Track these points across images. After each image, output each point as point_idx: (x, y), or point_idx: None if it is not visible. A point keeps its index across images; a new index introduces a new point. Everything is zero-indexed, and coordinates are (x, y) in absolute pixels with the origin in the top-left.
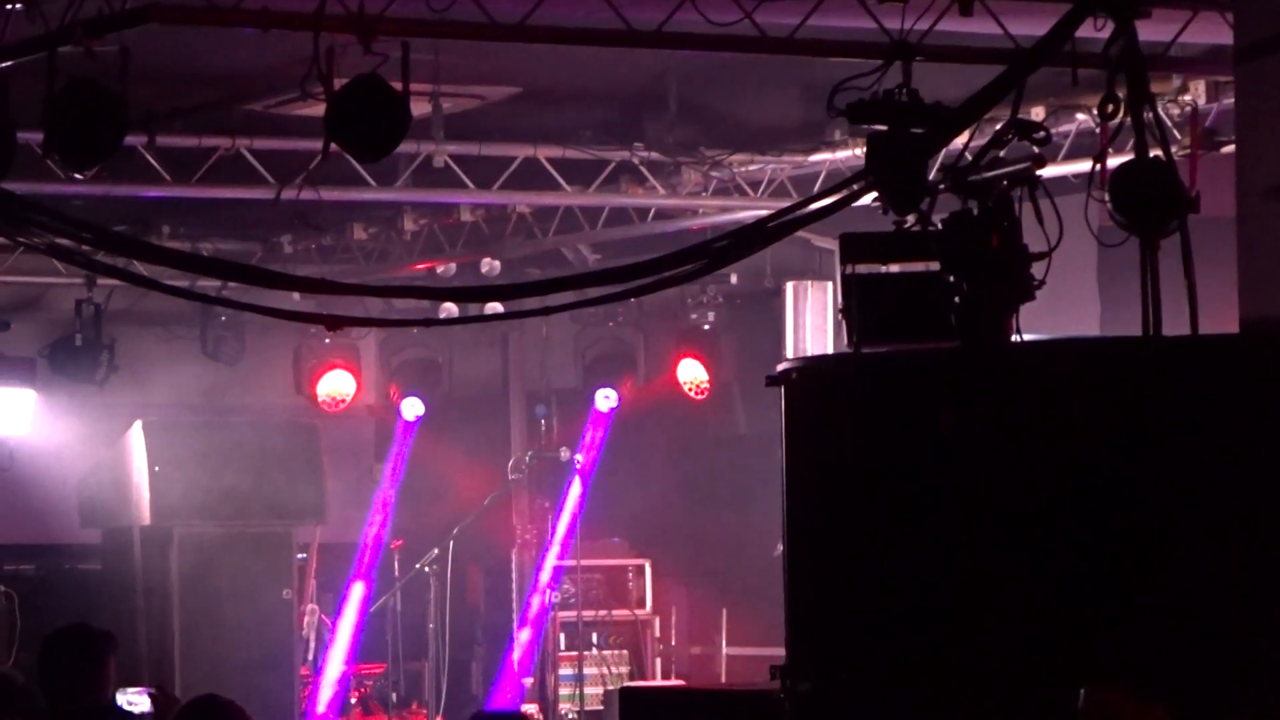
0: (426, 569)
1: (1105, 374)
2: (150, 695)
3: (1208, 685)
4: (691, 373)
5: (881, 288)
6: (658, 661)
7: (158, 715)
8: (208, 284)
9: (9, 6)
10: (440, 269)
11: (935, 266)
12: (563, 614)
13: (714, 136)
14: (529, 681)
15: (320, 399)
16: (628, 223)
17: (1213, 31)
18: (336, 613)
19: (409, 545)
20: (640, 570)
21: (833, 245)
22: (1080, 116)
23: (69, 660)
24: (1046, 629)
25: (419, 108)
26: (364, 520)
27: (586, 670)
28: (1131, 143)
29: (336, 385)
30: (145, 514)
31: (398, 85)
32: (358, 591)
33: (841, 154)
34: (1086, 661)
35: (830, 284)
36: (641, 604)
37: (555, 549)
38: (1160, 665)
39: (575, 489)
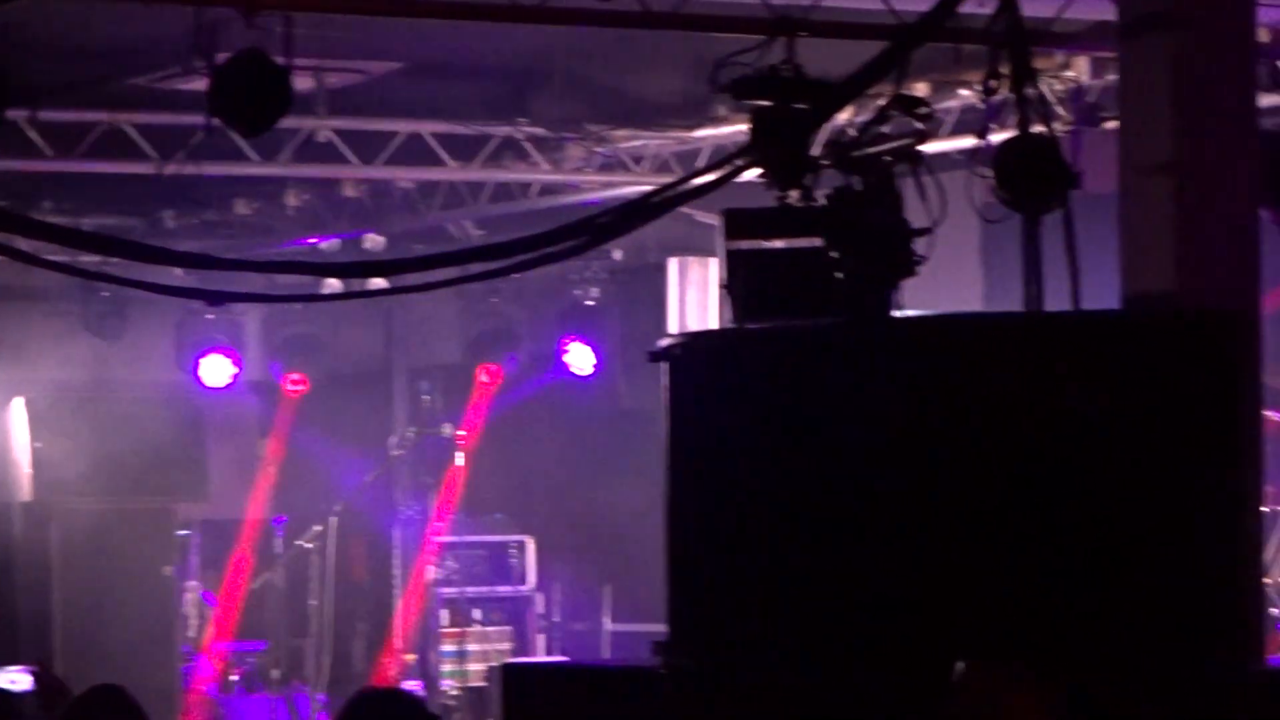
0: (308, 545)
1: (988, 350)
2: (33, 674)
3: (1082, 660)
4: (575, 349)
5: (764, 263)
6: (540, 638)
7: (40, 694)
8: (89, 259)
9: None
10: (323, 244)
11: (818, 242)
12: (445, 590)
13: (598, 112)
14: (411, 658)
15: (203, 375)
16: (511, 198)
17: (1096, 8)
18: (218, 590)
19: (291, 522)
20: (523, 546)
21: (716, 221)
22: (964, 92)
23: None
24: (927, 604)
25: (302, 82)
26: (246, 496)
27: (469, 647)
28: (1015, 119)
29: (219, 361)
30: (26, 490)
31: (281, 60)
32: (239, 568)
33: (725, 129)
34: (966, 637)
35: (713, 260)
36: (524, 580)
37: (438, 525)
38: (1033, 638)
39: (458, 465)
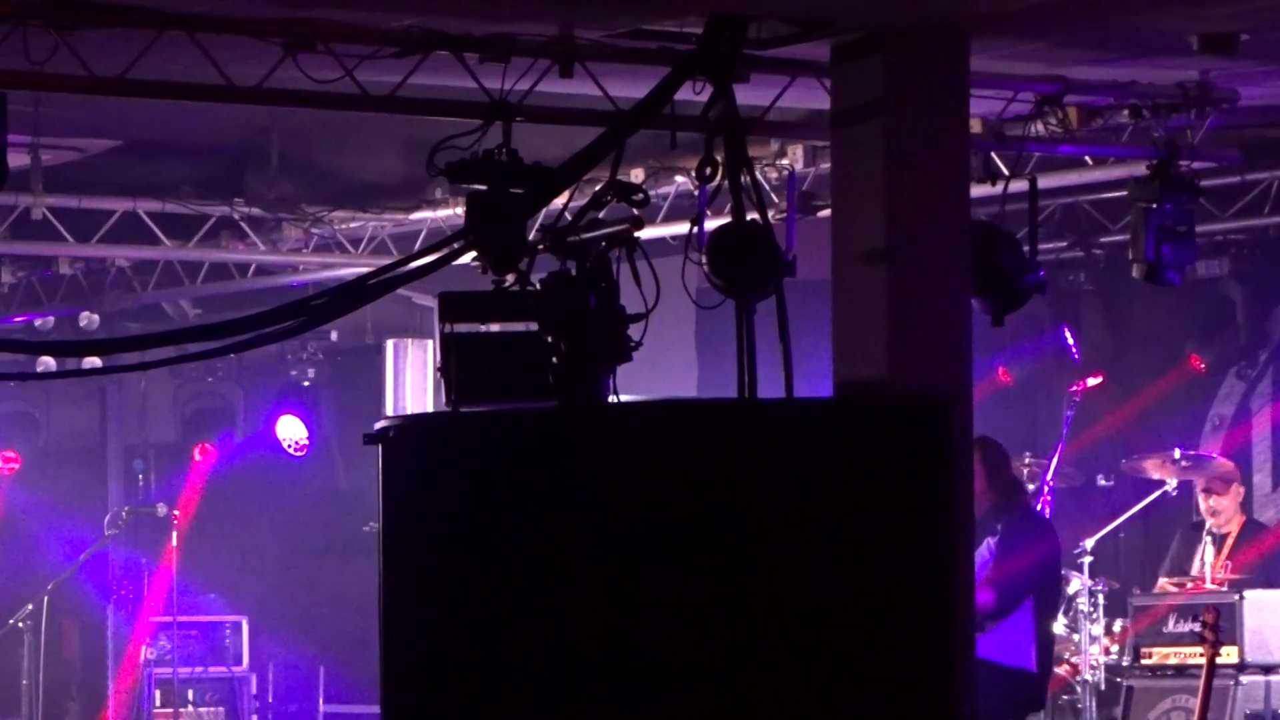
0: (20, 624)
1: (700, 436)
2: None
3: None
4: (290, 429)
5: (480, 347)
6: (254, 719)
7: None
8: None
9: None
10: (38, 322)
11: (534, 326)
12: (158, 670)
13: (315, 193)
14: None
15: None
16: (228, 278)
17: (810, 97)
18: None
19: (2, 600)
20: (237, 627)
21: (433, 303)
22: (679, 179)
23: None
24: (638, 691)
25: (17, 159)
26: None
27: None
28: (729, 205)
29: None
30: None
31: None
32: None
33: (442, 212)
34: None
35: (430, 342)
36: (239, 661)
37: (152, 605)
38: None
39: (172, 544)
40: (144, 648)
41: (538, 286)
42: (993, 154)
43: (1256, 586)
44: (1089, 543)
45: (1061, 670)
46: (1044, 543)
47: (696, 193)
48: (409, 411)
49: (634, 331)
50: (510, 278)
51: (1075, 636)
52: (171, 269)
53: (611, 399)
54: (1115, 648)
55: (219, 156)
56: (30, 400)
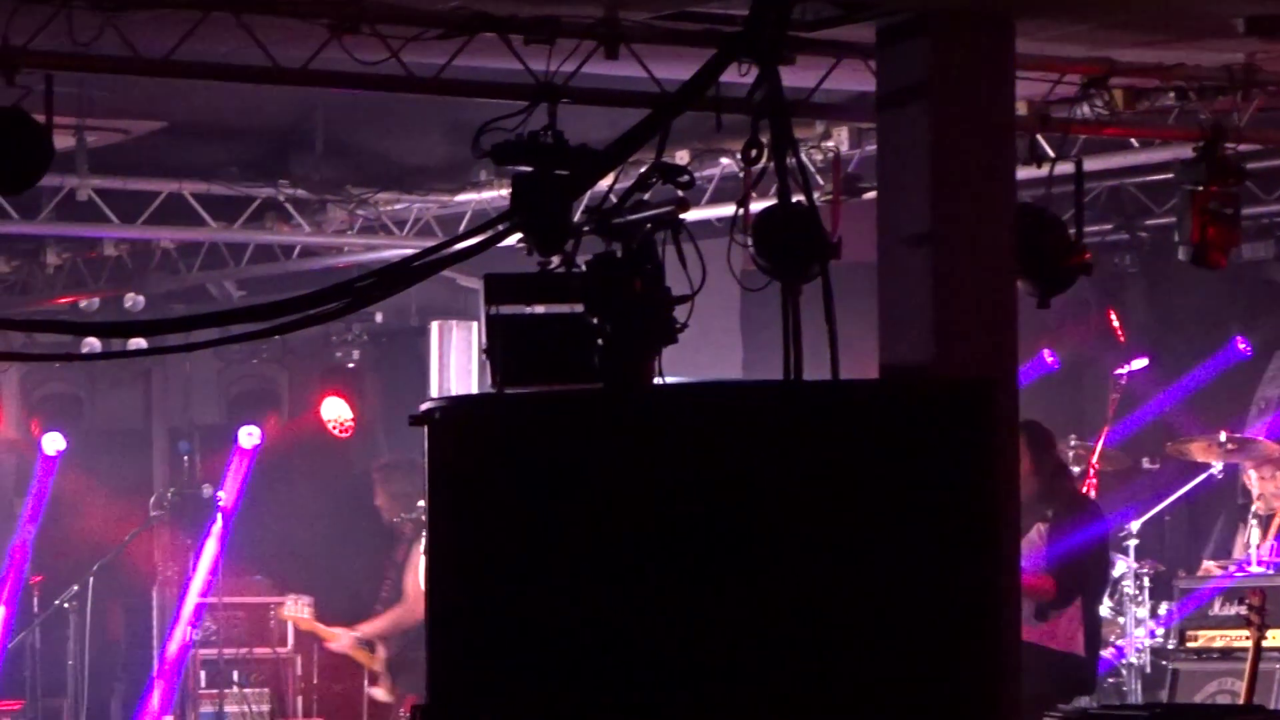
0: (66, 605)
1: (746, 418)
2: None
3: None
4: (335, 410)
5: (525, 329)
6: (299, 700)
7: None
8: None
9: None
10: (83, 303)
11: (579, 308)
12: (204, 652)
13: (360, 175)
14: None
15: None
16: (273, 259)
17: (856, 79)
18: None
19: (49, 581)
20: (282, 608)
21: (478, 285)
22: (724, 161)
23: None
24: (686, 673)
25: (63, 141)
26: (3, 555)
27: (227, 709)
28: (775, 188)
29: None
30: None
31: (41, 118)
32: None
33: (487, 194)
34: (724, 708)
35: (475, 324)
36: (283, 642)
37: (197, 586)
38: (788, 713)
39: (217, 526)
40: (189, 629)
41: (583, 268)
42: (1038, 136)
43: None
44: (1134, 525)
45: (1107, 653)
46: (1096, 528)
47: (742, 175)
48: (454, 393)
49: (679, 313)
50: (556, 259)
51: (1121, 619)
52: (216, 250)
53: (657, 381)
54: (1160, 630)
55: (264, 138)
56: (76, 382)
